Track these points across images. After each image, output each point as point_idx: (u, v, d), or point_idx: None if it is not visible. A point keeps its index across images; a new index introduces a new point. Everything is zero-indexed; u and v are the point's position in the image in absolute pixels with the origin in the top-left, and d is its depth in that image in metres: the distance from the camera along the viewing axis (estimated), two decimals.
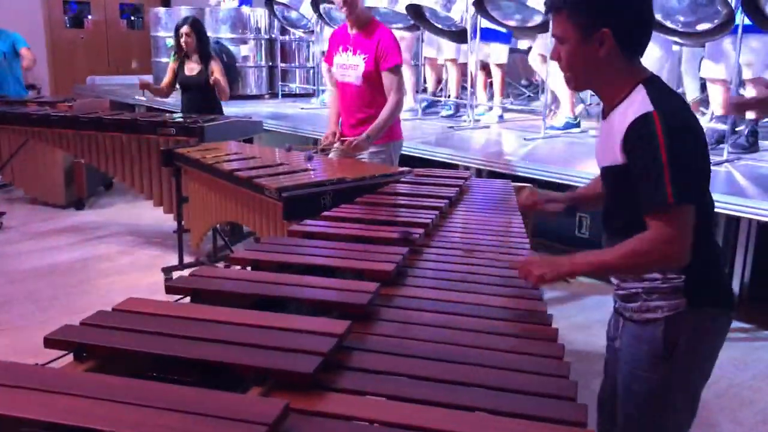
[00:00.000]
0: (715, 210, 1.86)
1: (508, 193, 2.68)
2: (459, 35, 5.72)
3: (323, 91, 7.26)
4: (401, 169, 3.33)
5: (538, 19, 5.19)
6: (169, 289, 1.52)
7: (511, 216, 2.33)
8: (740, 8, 3.83)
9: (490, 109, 6.17)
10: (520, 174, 4.14)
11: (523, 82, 7.94)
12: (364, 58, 3.57)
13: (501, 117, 6.06)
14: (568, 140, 5.11)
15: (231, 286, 1.53)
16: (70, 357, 1.25)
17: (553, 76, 4.99)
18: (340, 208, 2.25)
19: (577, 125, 5.35)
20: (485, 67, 6.25)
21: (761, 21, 3.89)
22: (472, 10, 5.34)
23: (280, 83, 7.93)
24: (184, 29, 4.90)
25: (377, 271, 1.66)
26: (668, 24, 4.35)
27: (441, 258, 1.88)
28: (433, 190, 2.57)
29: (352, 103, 3.69)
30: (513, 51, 6.64)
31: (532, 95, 7.62)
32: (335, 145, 3.74)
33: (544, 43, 5.17)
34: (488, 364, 1.28)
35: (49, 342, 1.25)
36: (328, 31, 6.96)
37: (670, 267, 1.56)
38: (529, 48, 6.44)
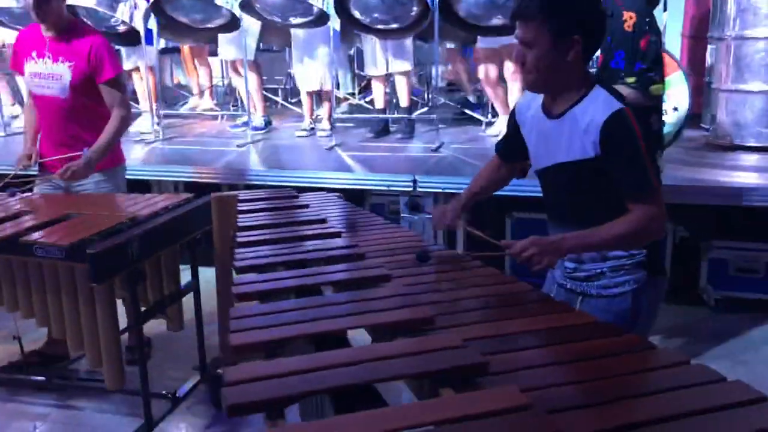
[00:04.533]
0: None
1: (349, 206, 2.49)
2: (126, 37, 5.10)
3: None
4: (186, 195, 2.86)
5: (221, 21, 4.91)
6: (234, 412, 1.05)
7: (394, 230, 2.18)
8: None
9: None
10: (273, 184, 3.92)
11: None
12: (69, 66, 2.90)
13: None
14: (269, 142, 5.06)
15: (293, 385, 1.12)
16: None
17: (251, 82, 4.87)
18: (239, 254, 1.81)
19: (270, 123, 5.43)
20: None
21: (454, 22, 4.41)
22: (142, 10, 4.82)
23: None
24: None
25: (414, 320, 1.41)
26: (365, 20, 4.52)
27: (408, 290, 1.64)
28: (295, 215, 2.23)
29: (57, 119, 2.99)
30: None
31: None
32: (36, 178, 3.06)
33: (236, 47, 4.96)
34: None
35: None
36: None
37: (654, 240, 1.76)
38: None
